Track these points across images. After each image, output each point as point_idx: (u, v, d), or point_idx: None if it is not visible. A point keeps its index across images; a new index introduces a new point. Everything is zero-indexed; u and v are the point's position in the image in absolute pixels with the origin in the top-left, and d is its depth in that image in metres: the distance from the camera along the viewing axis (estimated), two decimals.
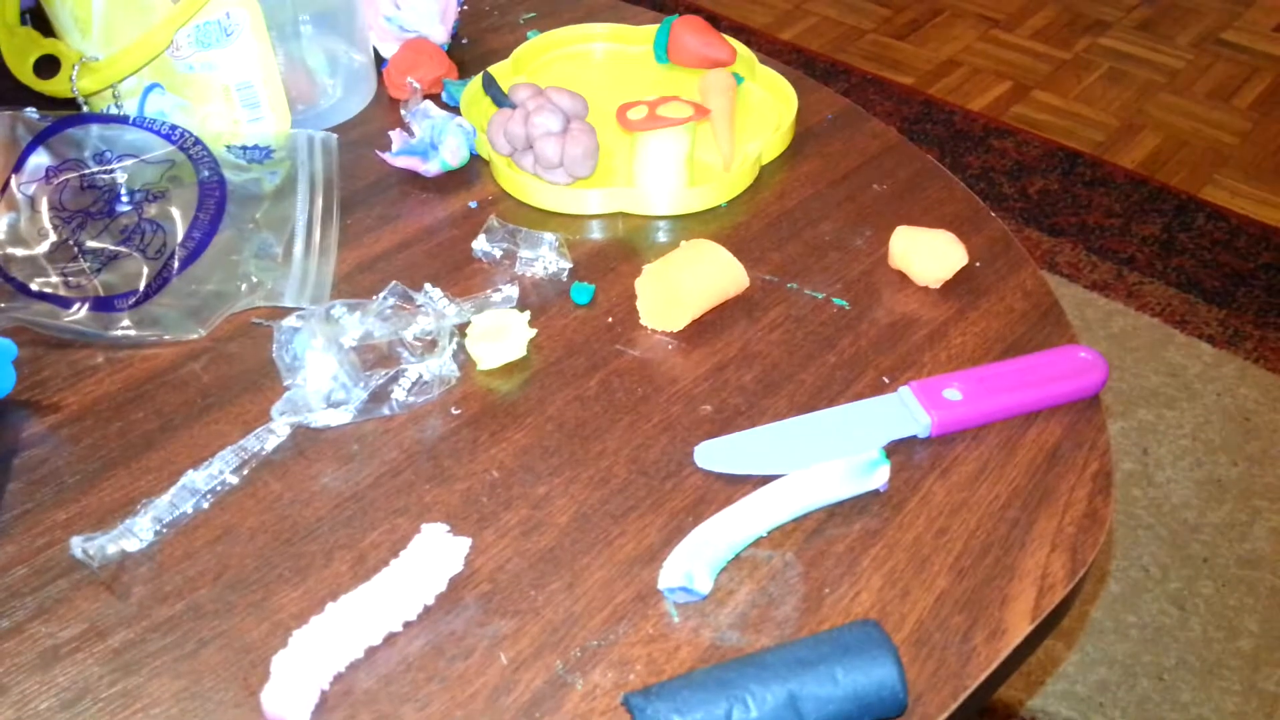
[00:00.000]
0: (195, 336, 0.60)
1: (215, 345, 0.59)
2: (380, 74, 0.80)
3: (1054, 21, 2.63)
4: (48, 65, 0.69)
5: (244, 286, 0.62)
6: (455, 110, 0.76)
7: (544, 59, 0.81)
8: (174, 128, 0.65)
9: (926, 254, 0.60)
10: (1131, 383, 1.70)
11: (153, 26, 0.64)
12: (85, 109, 0.67)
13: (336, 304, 0.57)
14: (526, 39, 0.84)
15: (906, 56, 2.52)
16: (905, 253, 0.61)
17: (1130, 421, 1.64)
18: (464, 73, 0.81)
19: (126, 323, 0.60)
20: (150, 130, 0.65)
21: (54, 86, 0.66)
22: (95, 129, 0.66)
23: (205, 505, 0.51)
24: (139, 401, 0.56)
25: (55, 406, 0.56)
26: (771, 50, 2.55)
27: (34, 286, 0.60)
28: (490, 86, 0.73)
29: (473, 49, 0.84)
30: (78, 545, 0.47)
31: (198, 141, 0.65)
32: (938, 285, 0.61)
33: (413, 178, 0.71)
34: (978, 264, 0.63)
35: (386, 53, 0.80)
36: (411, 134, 0.72)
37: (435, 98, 0.78)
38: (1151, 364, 1.74)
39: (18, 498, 0.51)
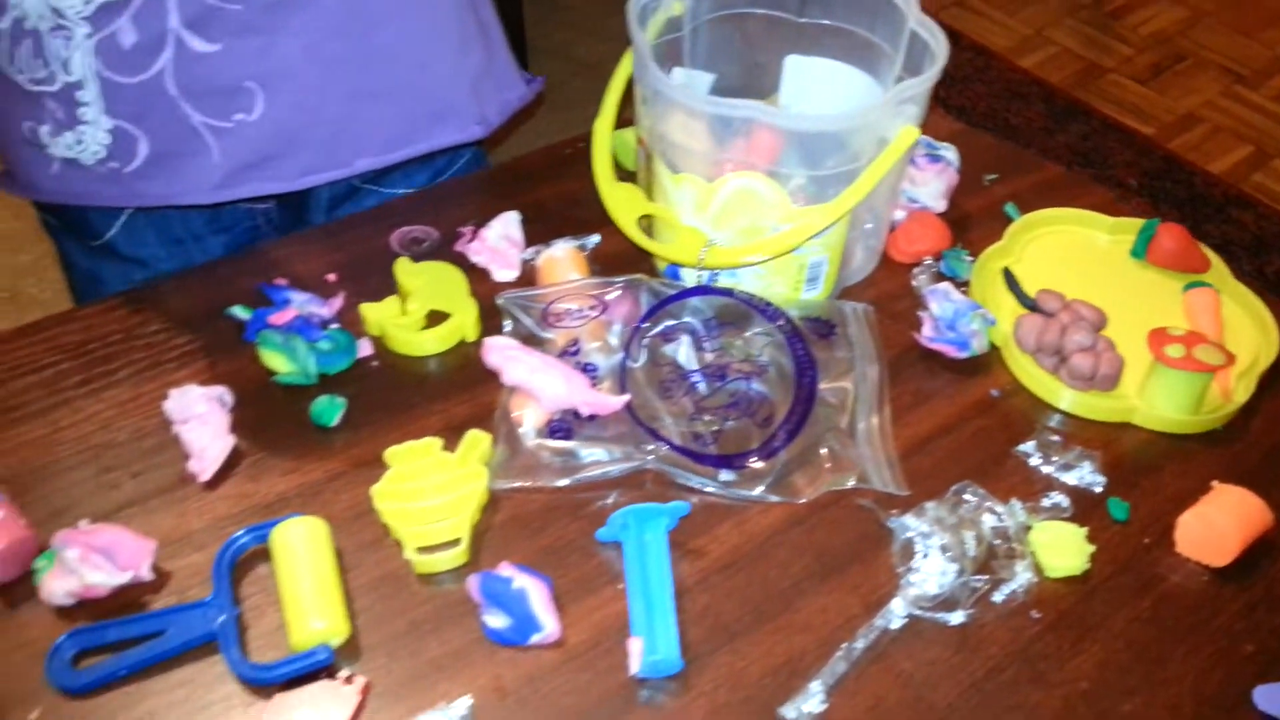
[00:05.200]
0: (802, 501, 0.72)
1: (813, 513, 0.72)
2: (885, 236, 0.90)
3: None
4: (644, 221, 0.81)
5: (824, 453, 0.74)
6: (950, 279, 0.87)
7: (1028, 237, 0.90)
8: (777, 311, 0.77)
9: None
10: None
11: (780, 232, 0.75)
12: (700, 279, 0.79)
13: (939, 508, 0.69)
14: (1004, 211, 0.93)
15: (1147, 103, 2.54)
16: None
17: None
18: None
19: (760, 487, 0.71)
20: (754, 308, 0.77)
21: (673, 253, 0.78)
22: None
23: (852, 672, 0.63)
24: (766, 559, 0.69)
25: (699, 553, 0.69)
26: (1011, 79, 2.57)
27: (677, 440, 0.72)
28: (1013, 285, 0.83)
29: (953, 210, 0.94)
30: (790, 710, 0.61)
31: (793, 327, 0.76)
32: None
33: (933, 355, 0.82)
34: None
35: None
36: (927, 307, 0.82)
37: (932, 264, 0.88)
38: None
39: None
